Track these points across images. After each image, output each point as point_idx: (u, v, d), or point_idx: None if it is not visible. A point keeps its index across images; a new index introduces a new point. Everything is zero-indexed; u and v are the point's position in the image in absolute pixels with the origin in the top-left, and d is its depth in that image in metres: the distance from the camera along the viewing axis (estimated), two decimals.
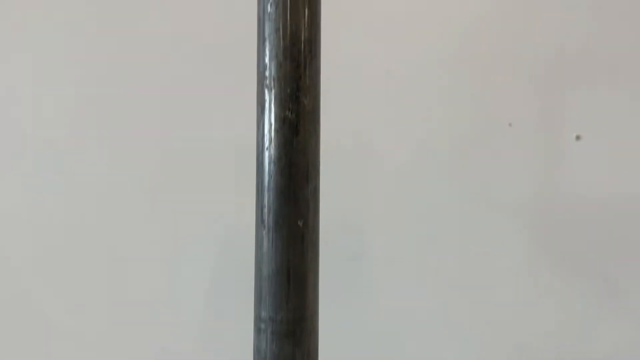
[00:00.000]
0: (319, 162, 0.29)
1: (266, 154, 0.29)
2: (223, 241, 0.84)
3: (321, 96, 0.30)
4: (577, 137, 0.83)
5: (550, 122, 0.83)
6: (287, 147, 0.28)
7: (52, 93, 0.84)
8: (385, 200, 0.83)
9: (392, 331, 0.84)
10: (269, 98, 0.29)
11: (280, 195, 0.28)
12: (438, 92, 0.83)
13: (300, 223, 0.28)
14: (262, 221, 0.28)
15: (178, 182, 0.84)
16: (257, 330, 0.29)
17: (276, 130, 0.29)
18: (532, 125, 0.83)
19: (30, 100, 0.85)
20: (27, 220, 0.85)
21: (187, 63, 0.83)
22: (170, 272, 0.86)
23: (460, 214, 0.84)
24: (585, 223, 0.83)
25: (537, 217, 0.84)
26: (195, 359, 0.86)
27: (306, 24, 0.29)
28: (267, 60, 0.29)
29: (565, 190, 0.83)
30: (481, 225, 0.84)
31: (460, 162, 0.83)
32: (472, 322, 0.85)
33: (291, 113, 0.29)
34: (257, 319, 0.29)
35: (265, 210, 0.28)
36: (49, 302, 0.86)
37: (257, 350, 0.30)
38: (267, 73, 0.29)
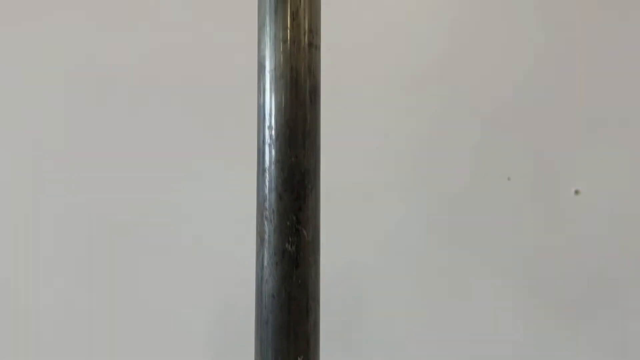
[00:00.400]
0: (319, 294, 0.29)
1: (265, 287, 0.28)
2: None
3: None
4: (576, 192, 0.83)
5: (549, 176, 0.83)
6: (286, 281, 0.28)
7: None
8: (381, 256, 0.83)
9: None
10: (269, 230, 0.28)
11: (279, 330, 0.28)
12: (438, 146, 0.83)
13: (300, 359, 0.28)
14: (261, 357, 0.28)
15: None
16: None
17: (275, 264, 0.28)
18: (531, 179, 0.83)
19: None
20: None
21: None
22: None
23: (459, 269, 0.83)
24: (584, 277, 0.83)
25: (536, 271, 0.83)
26: None
27: (306, 155, 0.29)
28: (266, 191, 0.29)
29: (564, 244, 0.83)
30: (480, 280, 0.83)
31: (458, 216, 0.83)
32: None
33: (291, 246, 0.28)
34: None
35: (264, 345, 0.28)
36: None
37: None
38: (266, 204, 0.29)
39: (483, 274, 0.83)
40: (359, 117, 0.82)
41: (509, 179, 0.83)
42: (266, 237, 0.29)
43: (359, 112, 0.82)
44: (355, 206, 0.82)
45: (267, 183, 0.29)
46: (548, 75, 0.83)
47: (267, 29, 0.31)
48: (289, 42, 0.30)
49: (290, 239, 0.28)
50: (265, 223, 0.29)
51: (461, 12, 0.83)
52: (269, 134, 0.29)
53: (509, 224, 0.83)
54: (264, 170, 0.29)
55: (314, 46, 0.31)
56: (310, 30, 0.31)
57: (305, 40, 0.31)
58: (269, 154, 0.29)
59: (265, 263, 0.28)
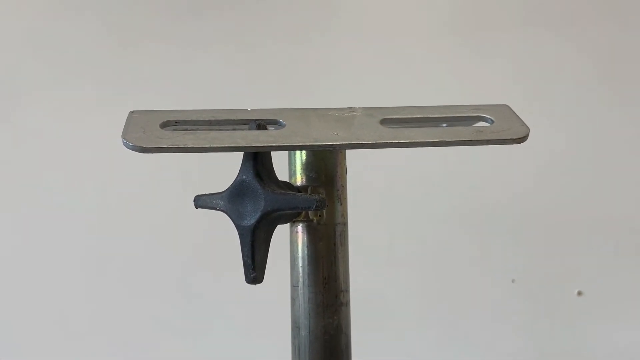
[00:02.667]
0: None
1: None
2: None
3: None
4: (579, 293, 0.85)
5: (552, 278, 0.85)
6: None
7: None
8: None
9: None
10: None
11: None
12: (444, 250, 0.85)
13: None
14: None
15: None
16: None
17: None
18: (535, 281, 0.85)
19: None
20: None
21: None
22: None
23: None
24: None
25: None
26: None
27: None
28: None
29: (568, 347, 0.84)
30: None
31: (463, 320, 0.85)
32: None
33: None
34: None
35: None
36: None
37: None
38: None
39: None
40: (366, 222, 0.83)
41: (513, 281, 0.85)
42: None
43: (365, 215, 0.83)
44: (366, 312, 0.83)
45: None
46: (551, 182, 0.85)
47: (300, 291, 0.32)
48: (322, 305, 0.32)
49: None
50: None
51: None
52: None
53: (512, 326, 0.85)
54: None
55: (344, 304, 0.32)
56: (341, 291, 0.32)
57: (337, 301, 0.32)
58: None
59: None
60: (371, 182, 0.83)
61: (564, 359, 0.84)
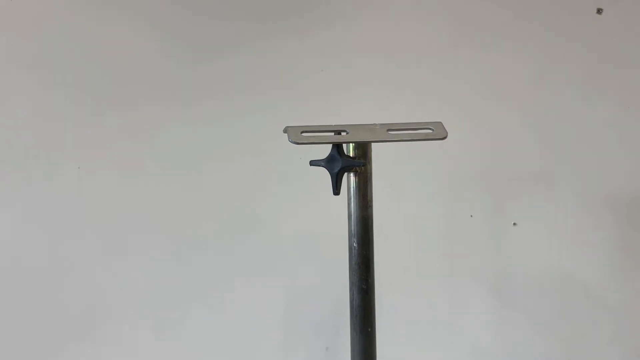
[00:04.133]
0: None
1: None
2: None
3: None
4: (514, 224, 1.30)
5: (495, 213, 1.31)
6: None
7: None
8: None
9: None
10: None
11: None
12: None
13: None
14: None
15: None
16: None
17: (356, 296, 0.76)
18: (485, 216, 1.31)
19: None
20: None
21: None
22: None
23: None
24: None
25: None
26: None
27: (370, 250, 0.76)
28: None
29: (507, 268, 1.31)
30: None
31: (442, 231, 1.31)
32: None
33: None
34: None
35: None
36: None
37: None
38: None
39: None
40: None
41: (471, 215, 1.30)
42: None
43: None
44: None
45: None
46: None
47: (352, 200, 0.77)
48: (361, 206, 0.77)
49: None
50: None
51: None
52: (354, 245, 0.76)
53: (472, 250, 1.31)
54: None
55: (370, 207, 0.78)
56: (368, 201, 0.77)
57: (367, 204, 0.77)
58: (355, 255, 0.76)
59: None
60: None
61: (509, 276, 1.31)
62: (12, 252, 1.27)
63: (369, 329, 0.77)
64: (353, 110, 1.28)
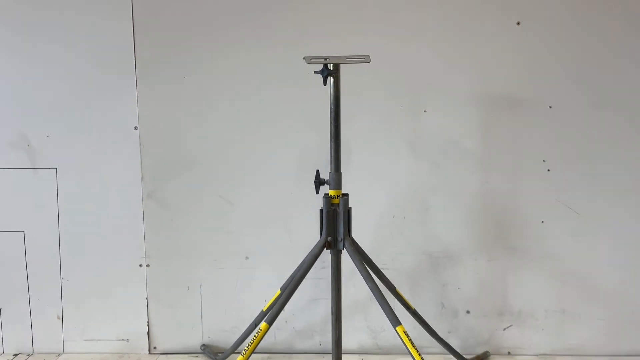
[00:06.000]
0: None
1: None
2: None
3: None
4: (424, 111, 2.43)
5: None
6: None
7: None
8: None
9: None
10: None
11: None
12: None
13: None
14: None
15: None
16: None
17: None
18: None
19: None
20: None
21: None
22: None
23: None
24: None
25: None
26: None
27: None
28: None
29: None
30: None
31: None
32: None
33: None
34: None
35: None
36: None
37: None
38: None
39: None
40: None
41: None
42: None
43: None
44: None
45: None
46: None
47: (331, 88, 1.88)
48: (335, 89, 1.89)
49: None
50: None
51: None
52: None
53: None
54: None
55: (339, 90, 1.89)
56: (339, 88, 1.88)
57: (338, 89, 1.89)
58: None
59: None
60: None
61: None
62: None
63: None
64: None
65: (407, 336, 1.77)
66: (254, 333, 1.82)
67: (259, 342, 1.82)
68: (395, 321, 1.79)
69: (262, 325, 1.82)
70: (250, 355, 1.77)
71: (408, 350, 1.75)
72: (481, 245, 2.49)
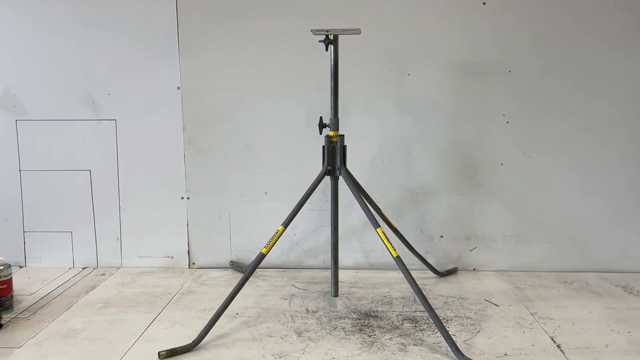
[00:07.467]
0: None
1: None
2: None
3: None
4: (408, 74, 3.04)
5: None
6: None
7: None
8: None
9: None
10: None
11: None
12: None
13: None
14: None
15: None
16: None
17: None
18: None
19: None
20: None
21: None
22: None
23: None
24: None
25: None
26: None
27: None
28: None
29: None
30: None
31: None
32: None
33: None
34: None
35: None
36: None
37: None
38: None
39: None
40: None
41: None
42: None
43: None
44: None
45: None
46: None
47: (332, 53, 2.50)
48: (335, 54, 2.50)
49: None
50: None
51: None
52: None
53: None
54: None
55: (337, 53, 2.50)
56: (337, 53, 2.50)
57: (337, 53, 2.50)
58: None
59: None
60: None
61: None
62: None
63: None
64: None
65: (385, 235, 2.41)
66: (274, 234, 2.47)
67: (277, 240, 2.47)
68: (375, 224, 2.42)
69: (280, 228, 2.47)
70: (271, 248, 2.43)
71: (385, 245, 2.38)
72: (453, 183, 3.12)
